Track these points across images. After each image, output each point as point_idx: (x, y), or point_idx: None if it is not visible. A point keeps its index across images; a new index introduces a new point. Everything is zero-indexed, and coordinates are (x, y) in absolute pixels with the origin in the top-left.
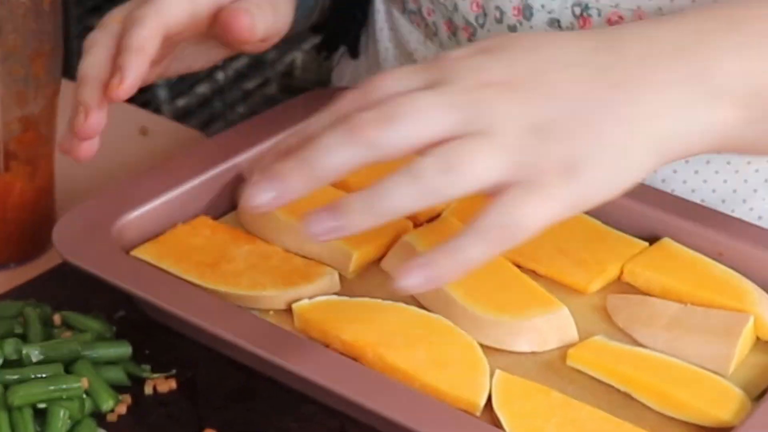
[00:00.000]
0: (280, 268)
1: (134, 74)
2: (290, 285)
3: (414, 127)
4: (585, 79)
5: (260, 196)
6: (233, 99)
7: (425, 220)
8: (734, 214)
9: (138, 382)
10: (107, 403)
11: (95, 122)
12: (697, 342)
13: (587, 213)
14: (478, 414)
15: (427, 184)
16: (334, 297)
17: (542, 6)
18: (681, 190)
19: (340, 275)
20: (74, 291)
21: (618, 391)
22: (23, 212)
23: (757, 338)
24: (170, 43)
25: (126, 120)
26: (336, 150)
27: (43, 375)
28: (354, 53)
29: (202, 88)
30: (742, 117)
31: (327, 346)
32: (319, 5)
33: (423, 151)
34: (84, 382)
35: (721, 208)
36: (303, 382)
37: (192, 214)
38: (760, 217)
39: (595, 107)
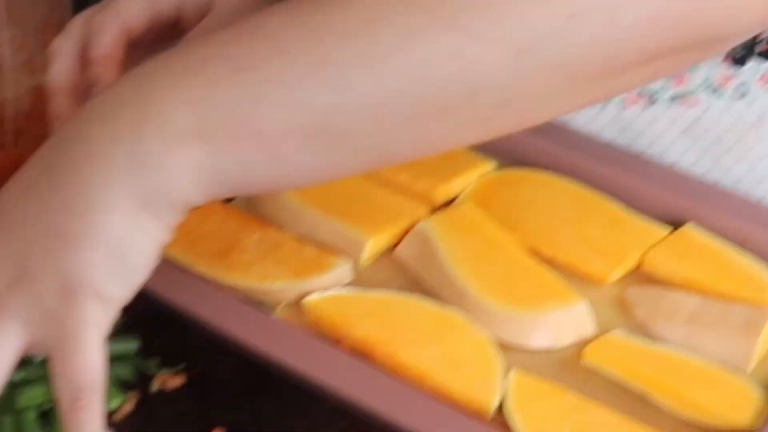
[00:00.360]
0: (292, 258)
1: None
2: (302, 277)
3: None
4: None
5: None
6: None
7: (441, 204)
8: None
9: (146, 378)
10: (113, 402)
11: None
12: (716, 337)
13: (611, 195)
14: (489, 416)
15: None
16: (346, 291)
17: None
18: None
19: (353, 263)
20: None
21: (634, 390)
22: None
23: None
24: (136, 48)
25: None
26: None
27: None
28: None
29: None
30: (209, 152)
31: (338, 342)
32: None
33: None
34: None
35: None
36: (313, 383)
37: None
38: None
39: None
